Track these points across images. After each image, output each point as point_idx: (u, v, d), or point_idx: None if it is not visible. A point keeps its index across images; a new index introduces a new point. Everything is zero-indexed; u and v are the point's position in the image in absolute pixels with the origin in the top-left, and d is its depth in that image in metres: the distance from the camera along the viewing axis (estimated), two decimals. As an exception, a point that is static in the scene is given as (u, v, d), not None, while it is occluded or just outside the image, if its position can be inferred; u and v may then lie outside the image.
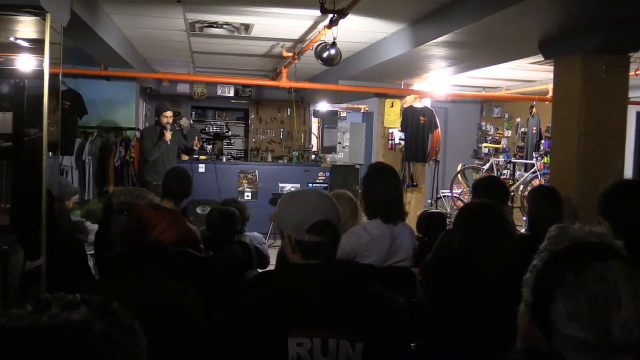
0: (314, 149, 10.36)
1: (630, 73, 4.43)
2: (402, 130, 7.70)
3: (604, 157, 4.09)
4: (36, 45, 3.28)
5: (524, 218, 5.56)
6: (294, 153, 9.37)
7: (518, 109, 10.24)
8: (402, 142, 7.72)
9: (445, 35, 4.39)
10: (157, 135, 6.33)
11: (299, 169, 8.42)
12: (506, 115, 10.91)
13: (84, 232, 4.47)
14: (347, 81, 7.27)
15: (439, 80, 7.59)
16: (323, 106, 10.16)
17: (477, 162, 11.16)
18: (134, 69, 6.89)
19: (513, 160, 9.11)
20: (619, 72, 4.09)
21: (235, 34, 5.77)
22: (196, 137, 6.88)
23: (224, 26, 5.46)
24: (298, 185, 8.00)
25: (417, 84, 7.67)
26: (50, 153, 3.32)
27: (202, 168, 7.94)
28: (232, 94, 10.55)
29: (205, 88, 10.01)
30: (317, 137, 10.87)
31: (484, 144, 11.23)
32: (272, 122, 11.20)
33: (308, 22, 5.16)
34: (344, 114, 10.88)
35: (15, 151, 3.62)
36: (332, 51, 4.83)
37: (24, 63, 3.65)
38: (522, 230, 4.28)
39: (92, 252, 3.90)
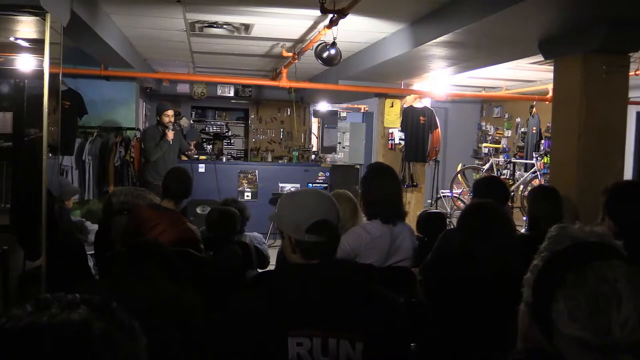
0: (314, 149, 10.36)
1: (630, 73, 4.43)
2: (402, 130, 7.70)
3: (604, 157, 4.09)
4: (36, 45, 3.28)
5: (524, 218, 5.56)
6: (294, 153, 9.37)
7: (518, 109, 10.24)
8: (402, 142, 7.72)
9: (445, 35, 4.39)
10: (159, 135, 6.34)
11: (299, 169, 8.41)
12: (506, 115, 10.91)
13: (84, 232, 4.47)
14: (347, 81, 7.27)
15: (439, 80, 7.59)
16: (323, 106, 10.16)
17: (477, 162, 11.16)
18: (134, 69, 6.89)
19: (513, 160, 9.11)
20: (619, 72, 4.09)
21: (235, 34, 5.77)
22: (192, 143, 6.88)
23: (224, 26, 5.46)
24: (298, 185, 8.00)
25: (417, 84, 7.67)
26: (50, 153, 3.32)
27: (202, 168, 7.93)
28: (232, 94, 10.55)
29: (205, 88, 10.01)
30: (317, 137, 10.87)
31: (484, 144, 11.23)
32: (272, 122, 11.20)
33: (308, 22, 5.16)
34: (344, 114, 10.89)
35: (15, 151, 3.63)
36: (332, 51, 4.83)
37: (24, 63, 3.65)
38: (522, 230, 4.29)
39: (92, 252, 3.90)
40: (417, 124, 7.66)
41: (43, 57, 3.14)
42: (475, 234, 2.19)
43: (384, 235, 2.77)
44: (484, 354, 1.34)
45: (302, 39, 5.88)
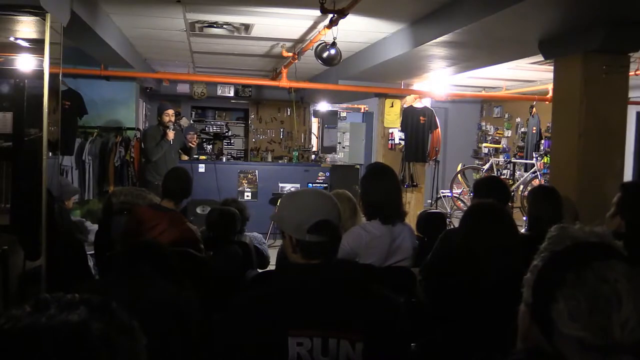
0: (314, 149, 10.36)
1: (630, 73, 4.43)
2: (402, 130, 7.70)
3: (604, 157, 4.09)
4: (36, 45, 3.28)
5: (524, 218, 5.56)
6: (294, 153, 9.37)
7: (518, 109, 10.24)
8: (402, 142, 7.72)
9: (445, 35, 4.39)
10: (159, 135, 6.35)
11: (299, 169, 8.41)
12: (506, 115, 10.91)
13: (84, 232, 4.47)
14: (347, 81, 7.27)
15: (439, 80, 7.59)
16: (323, 106, 10.16)
17: (477, 162, 11.17)
18: (134, 69, 6.90)
19: (513, 160, 9.11)
20: (619, 72, 4.09)
21: (235, 34, 5.77)
22: (191, 133, 6.87)
23: (224, 26, 5.46)
24: (298, 185, 8.00)
25: (417, 84, 7.67)
26: (50, 153, 3.32)
27: (202, 168, 7.94)
28: (232, 94, 10.55)
29: (205, 88, 10.01)
30: (317, 137, 10.86)
31: (484, 144, 11.23)
32: (272, 122, 11.20)
33: (308, 22, 5.16)
34: (344, 114, 10.88)
35: (15, 151, 3.62)
36: (332, 51, 4.83)
37: (24, 63, 3.65)
38: (522, 230, 4.29)
39: (92, 252, 3.90)
40: (417, 124, 7.66)
41: (43, 57, 3.13)
42: (477, 234, 2.19)
43: (384, 235, 2.77)
44: (484, 354, 1.34)
45: (302, 39, 5.88)
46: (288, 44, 6.24)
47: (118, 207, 3.71)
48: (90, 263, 3.79)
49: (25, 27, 3.34)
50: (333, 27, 4.40)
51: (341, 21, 4.23)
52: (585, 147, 4.07)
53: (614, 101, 4.12)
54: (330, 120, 10.57)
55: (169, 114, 6.38)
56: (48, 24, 3.09)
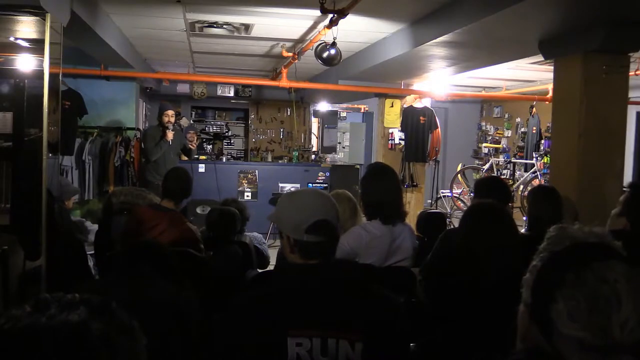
0: (314, 149, 10.36)
1: (630, 73, 4.43)
2: (402, 130, 7.70)
3: (604, 157, 4.09)
4: (36, 45, 3.28)
5: (524, 218, 5.56)
6: (294, 153, 9.37)
7: (518, 109, 10.24)
8: (402, 142, 7.72)
9: (445, 35, 4.39)
10: (159, 135, 6.35)
11: (299, 169, 8.41)
12: (506, 115, 10.91)
13: (84, 232, 4.47)
14: (347, 81, 7.27)
15: (439, 80, 7.59)
16: (323, 106, 10.16)
17: (477, 162, 11.16)
18: (134, 69, 6.90)
19: (513, 160, 9.11)
20: (619, 72, 4.09)
21: (235, 34, 5.77)
22: (191, 132, 6.87)
23: (224, 26, 5.46)
24: (298, 185, 8.00)
25: (417, 84, 7.67)
26: (50, 153, 3.32)
27: (202, 168, 7.93)
28: (232, 94, 10.55)
29: (205, 88, 10.01)
30: (317, 137, 10.86)
31: (484, 144, 11.23)
32: (272, 122, 11.20)
33: (308, 22, 5.16)
34: (344, 114, 10.88)
35: (15, 151, 3.62)
36: (332, 51, 4.83)
37: (24, 63, 3.65)
38: (522, 230, 4.28)
39: (92, 252, 3.90)
40: (417, 124, 7.66)
41: (43, 57, 3.13)
42: (477, 234, 2.19)
43: (384, 235, 2.77)
44: (484, 354, 1.34)
45: (302, 39, 5.88)
46: (288, 44, 6.24)
47: (118, 207, 3.71)
48: (90, 263, 3.79)
49: (25, 27, 3.34)
50: (333, 27, 4.40)
51: (341, 21, 4.23)
52: (585, 147, 4.07)
53: (614, 101, 4.12)
54: (330, 120, 10.57)
55: (169, 115, 6.38)
56: (48, 24, 3.09)
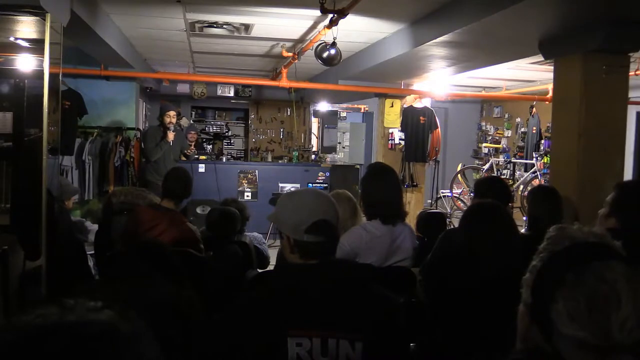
0: (314, 149, 10.36)
1: (630, 73, 4.43)
2: (402, 130, 7.70)
3: (604, 157, 4.09)
4: (36, 45, 3.28)
5: (524, 218, 5.56)
6: (294, 153, 9.37)
7: (518, 109, 10.24)
8: (402, 142, 7.72)
9: (445, 35, 4.39)
10: (159, 135, 6.35)
11: (299, 169, 8.41)
12: (506, 115, 10.91)
13: (84, 232, 4.47)
14: (347, 81, 7.27)
15: (439, 80, 7.59)
16: (323, 106, 10.16)
17: (477, 162, 11.17)
18: (134, 69, 6.90)
19: (513, 160, 9.12)
20: (619, 72, 4.09)
21: (235, 34, 5.77)
22: (192, 132, 6.86)
23: (224, 26, 5.46)
24: (298, 185, 8.00)
25: (417, 84, 7.67)
26: (50, 153, 3.32)
27: (202, 168, 7.93)
28: (232, 94, 10.55)
29: (205, 88, 10.01)
30: (317, 137, 10.87)
31: (484, 144, 11.23)
32: (272, 122, 11.20)
33: (308, 22, 5.16)
34: (344, 114, 10.88)
35: (15, 151, 3.62)
36: (332, 51, 4.83)
37: (24, 63, 3.65)
38: (522, 230, 4.29)
39: (92, 252, 3.90)
40: (417, 124, 7.66)
41: (43, 57, 3.13)
42: (477, 234, 2.19)
43: (384, 235, 2.77)
44: (484, 354, 1.34)
45: (302, 39, 5.88)
46: (288, 44, 6.24)
47: (118, 207, 3.71)
48: (90, 263, 3.79)
49: (25, 27, 3.33)
50: (333, 27, 4.40)
51: (341, 21, 4.23)
52: (585, 147, 4.07)
53: (614, 101, 4.12)
54: (330, 120, 10.57)
55: (170, 116, 6.39)
56: (48, 24, 3.09)
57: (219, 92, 10.40)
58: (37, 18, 3.09)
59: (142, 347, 0.72)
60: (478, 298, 2.07)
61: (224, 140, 11.08)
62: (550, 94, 6.65)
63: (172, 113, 6.42)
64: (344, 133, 10.07)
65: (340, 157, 9.68)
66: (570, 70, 4.21)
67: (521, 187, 8.06)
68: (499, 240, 2.14)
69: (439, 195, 8.79)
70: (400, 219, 2.84)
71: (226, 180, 7.96)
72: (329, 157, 9.32)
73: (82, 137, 6.98)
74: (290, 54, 6.14)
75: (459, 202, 8.66)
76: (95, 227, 4.33)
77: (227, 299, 1.64)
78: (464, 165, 9.58)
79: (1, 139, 3.70)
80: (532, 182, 7.81)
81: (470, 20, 3.96)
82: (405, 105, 7.78)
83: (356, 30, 5.27)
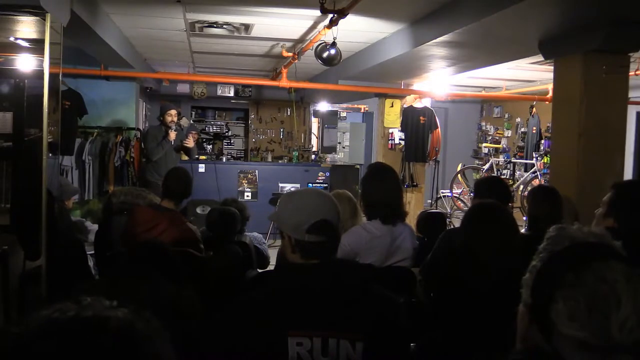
0: (314, 149, 10.36)
1: (630, 73, 4.43)
2: (402, 130, 7.70)
3: (604, 157, 4.09)
4: (36, 45, 3.28)
5: (524, 218, 5.56)
6: (294, 153, 9.37)
7: (518, 109, 10.25)
8: (402, 142, 7.72)
9: (445, 35, 4.39)
10: (161, 135, 6.35)
11: (299, 169, 8.41)
12: (506, 115, 10.92)
13: (84, 232, 4.47)
14: (347, 81, 7.27)
15: (439, 80, 7.59)
16: (323, 106, 10.16)
17: (477, 162, 11.17)
18: (134, 69, 6.90)
19: (513, 160, 9.12)
20: (619, 72, 4.09)
21: (235, 34, 5.77)
22: (193, 132, 6.86)
23: (224, 26, 5.46)
24: (298, 185, 8.00)
25: (417, 84, 7.67)
26: (50, 153, 3.32)
27: (202, 168, 7.93)
28: (232, 94, 10.55)
29: (205, 88, 10.01)
30: (317, 137, 10.87)
31: (484, 144, 11.23)
32: (272, 122, 11.20)
33: (308, 22, 5.16)
34: (344, 114, 10.89)
35: (15, 151, 3.62)
36: (332, 51, 4.83)
37: (24, 63, 3.65)
38: (522, 230, 4.28)
39: (92, 252, 3.90)
40: (417, 124, 7.66)
41: (43, 57, 3.13)
42: (477, 234, 2.19)
43: (384, 235, 2.77)
44: (484, 354, 1.34)
45: (302, 39, 5.88)
46: (288, 44, 6.24)
47: (118, 207, 3.71)
48: (90, 263, 3.79)
49: (25, 27, 3.33)
50: (333, 27, 4.40)
51: (341, 21, 4.23)
52: (585, 147, 4.07)
53: (614, 101, 4.12)
54: (330, 120, 10.57)
55: (172, 115, 6.39)
56: (48, 24, 3.09)
57: (219, 92, 10.40)
58: (37, 18, 3.09)
59: (158, 346, 0.72)
60: (478, 298, 2.07)
61: (224, 140, 11.07)
62: (550, 94, 6.65)
63: (173, 112, 6.43)
64: (344, 133, 10.08)
65: (340, 157, 9.68)
66: (570, 70, 4.21)
67: (521, 187, 8.06)
68: (499, 241, 2.14)
69: (439, 195, 8.79)
70: (400, 219, 2.84)
71: (226, 180, 7.95)
72: (329, 157, 9.33)
73: (82, 137, 6.98)
74: (290, 54, 6.14)
75: (459, 202, 8.66)
76: (95, 227, 4.33)
77: (227, 299, 1.64)
78: (464, 165, 9.58)
79: (1, 139, 3.70)
80: (532, 182, 7.81)
81: (470, 20, 3.96)
82: (405, 105, 7.78)
83: (356, 30, 5.27)
